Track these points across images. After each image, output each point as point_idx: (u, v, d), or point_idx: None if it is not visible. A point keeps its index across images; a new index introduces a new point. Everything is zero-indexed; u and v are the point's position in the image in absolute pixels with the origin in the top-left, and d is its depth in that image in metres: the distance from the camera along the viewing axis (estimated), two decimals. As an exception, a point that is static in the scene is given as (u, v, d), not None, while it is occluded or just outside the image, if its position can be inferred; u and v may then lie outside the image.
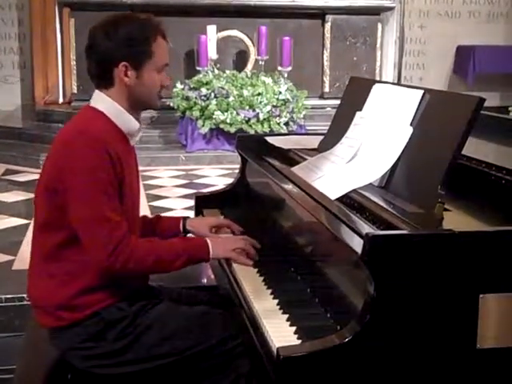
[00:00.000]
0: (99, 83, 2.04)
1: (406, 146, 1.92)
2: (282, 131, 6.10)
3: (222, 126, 6.09)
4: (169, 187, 5.39)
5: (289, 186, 2.19)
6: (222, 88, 6.18)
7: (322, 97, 7.16)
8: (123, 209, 1.97)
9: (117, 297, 1.98)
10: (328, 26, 7.11)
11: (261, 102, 6.15)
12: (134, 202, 2.10)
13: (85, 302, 1.95)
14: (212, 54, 6.47)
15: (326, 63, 7.15)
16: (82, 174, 1.89)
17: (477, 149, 2.16)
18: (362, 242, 1.54)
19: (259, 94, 6.20)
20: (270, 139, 2.67)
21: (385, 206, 1.80)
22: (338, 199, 1.91)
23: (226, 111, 6.09)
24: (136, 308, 1.99)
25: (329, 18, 7.10)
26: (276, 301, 1.87)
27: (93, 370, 1.99)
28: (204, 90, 6.18)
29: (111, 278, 1.95)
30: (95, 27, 2.02)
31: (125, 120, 2.04)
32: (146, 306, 2.02)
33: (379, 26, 7.24)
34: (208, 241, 2.07)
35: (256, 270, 2.10)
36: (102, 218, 1.88)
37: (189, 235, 2.32)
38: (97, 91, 2.06)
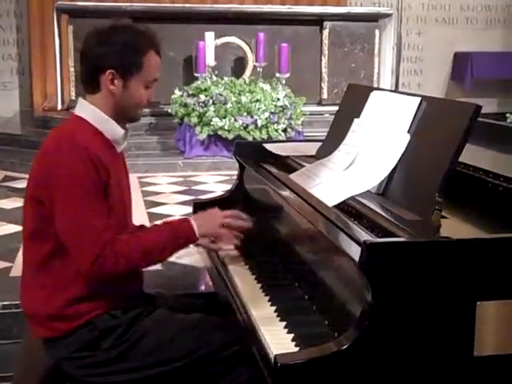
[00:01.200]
0: (87, 88, 2.04)
1: (403, 154, 1.93)
2: (280, 138, 6.10)
3: (220, 132, 6.10)
4: (167, 193, 5.39)
5: (286, 193, 2.19)
6: (220, 94, 6.19)
7: (320, 103, 7.17)
8: (112, 215, 1.95)
9: (110, 305, 1.97)
10: (326, 32, 7.12)
11: (259, 109, 6.15)
12: (124, 208, 2.08)
13: (77, 311, 1.94)
14: (210, 60, 6.48)
15: (324, 70, 7.17)
16: (65, 182, 1.88)
17: (474, 156, 2.16)
18: (359, 249, 1.54)
19: (257, 101, 6.21)
20: (268, 146, 2.67)
21: (382, 213, 1.80)
22: (335, 206, 1.91)
23: (224, 118, 6.09)
24: (130, 315, 1.98)
25: (327, 24, 7.11)
26: (274, 308, 1.87)
27: (89, 379, 1.98)
28: (202, 97, 6.19)
29: (102, 285, 1.93)
30: (90, 33, 2.02)
31: (109, 127, 2.03)
32: (141, 314, 2.00)
33: (377, 32, 7.26)
34: (191, 220, 2.05)
35: (254, 277, 2.11)
36: (86, 226, 1.87)
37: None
38: (80, 99, 2.07)
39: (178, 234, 2.02)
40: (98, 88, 2.01)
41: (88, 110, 2.02)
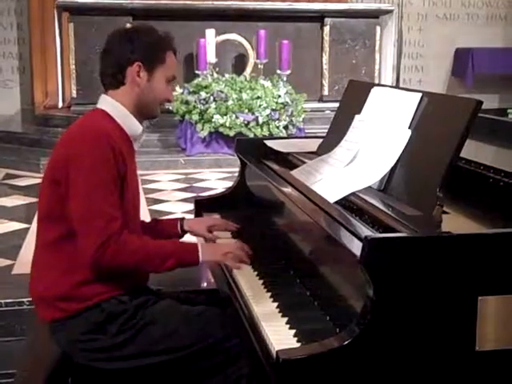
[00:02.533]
0: (110, 83, 2.11)
1: (404, 149, 1.93)
2: (281, 134, 6.11)
3: (221, 129, 6.10)
4: (168, 191, 5.40)
5: (288, 190, 2.19)
6: (221, 92, 6.19)
7: (321, 100, 7.16)
8: (124, 206, 2.01)
9: (118, 289, 2.01)
10: (327, 29, 7.12)
11: (260, 106, 6.16)
12: (134, 202, 2.14)
13: (86, 292, 1.98)
14: (211, 57, 6.48)
15: (324, 66, 7.17)
16: (84, 168, 1.94)
17: (475, 151, 2.17)
18: (361, 244, 1.54)
19: (258, 98, 6.21)
20: (269, 143, 2.67)
21: (384, 208, 1.80)
22: (337, 202, 1.91)
23: (225, 115, 6.09)
24: (137, 302, 2.02)
25: (328, 21, 7.11)
26: (275, 304, 1.87)
27: (93, 364, 2.00)
28: (203, 94, 6.19)
29: (99, 273, 1.96)
30: (115, 32, 2.15)
31: (129, 122, 2.11)
32: (147, 302, 2.05)
33: (378, 29, 7.26)
34: (198, 245, 2.09)
35: (255, 273, 2.11)
36: (99, 212, 1.92)
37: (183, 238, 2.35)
38: (103, 95, 2.14)
39: (183, 252, 2.06)
40: (123, 82, 2.10)
41: (110, 104, 2.10)
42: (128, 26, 2.23)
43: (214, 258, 2.12)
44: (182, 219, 2.39)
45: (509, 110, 6.16)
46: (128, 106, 2.10)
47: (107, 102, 2.11)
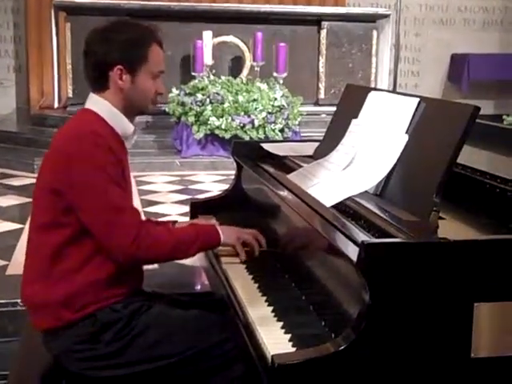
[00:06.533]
0: (95, 86, 2.06)
1: (401, 154, 1.93)
2: (277, 137, 6.11)
3: (216, 131, 6.10)
4: (163, 192, 5.39)
5: (284, 193, 2.19)
6: (218, 94, 6.19)
7: (317, 103, 7.17)
8: None
9: (112, 298, 1.99)
10: (324, 32, 7.13)
11: (256, 108, 6.15)
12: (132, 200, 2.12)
13: (81, 301, 1.96)
14: (208, 59, 6.47)
15: (321, 70, 7.17)
16: (92, 173, 1.91)
17: (471, 157, 2.17)
18: (357, 249, 1.54)
19: (254, 100, 6.21)
20: (265, 146, 2.67)
21: (380, 213, 1.80)
22: (333, 206, 1.91)
23: (221, 117, 6.09)
24: (131, 310, 2.00)
25: (325, 24, 7.12)
26: (271, 308, 1.87)
27: (87, 373, 1.98)
28: (199, 96, 6.18)
29: (108, 277, 1.96)
30: (93, 31, 2.04)
31: (120, 122, 2.06)
32: (140, 308, 2.02)
33: (375, 33, 7.27)
34: (217, 227, 2.14)
35: (251, 276, 2.11)
36: (120, 208, 1.93)
37: None
38: (91, 94, 2.08)
39: (206, 235, 2.10)
40: (107, 85, 2.03)
41: (99, 104, 2.04)
42: (106, 23, 2.04)
43: (233, 241, 2.16)
44: (174, 222, 2.36)
45: (504, 116, 6.19)
46: (117, 106, 2.04)
47: (95, 102, 2.05)
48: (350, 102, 2.40)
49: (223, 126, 6.06)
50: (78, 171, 1.91)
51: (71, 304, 1.96)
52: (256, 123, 6.12)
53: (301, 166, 2.34)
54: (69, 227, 1.95)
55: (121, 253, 1.93)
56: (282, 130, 6.26)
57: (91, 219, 1.93)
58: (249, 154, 2.70)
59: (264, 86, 6.41)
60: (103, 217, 1.92)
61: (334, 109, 2.58)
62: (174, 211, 4.74)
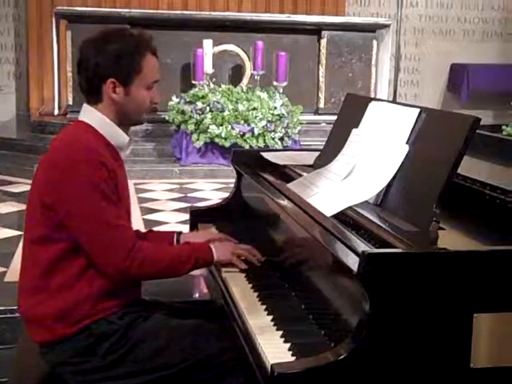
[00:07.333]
0: (88, 98, 2.04)
1: (401, 164, 1.93)
2: (277, 146, 6.12)
3: (216, 140, 6.10)
4: (163, 201, 5.39)
5: (284, 202, 2.19)
6: (218, 102, 6.20)
7: (317, 112, 7.18)
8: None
9: (108, 310, 1.97)
10: (324, 42, 7.15)
11: (256, 117, 6.16)
12: (127, 213, 2.10)
13: (76, 315, 1.94)
14: (208, 68, 6.49)
15: (321, 79, 7.19)
16: (82, 188, 1.89)
17: (471, 167, 2.17)
18: (357, 259, 1.54)
19: (254, 109, 6.22)
20: (265, 154, 2.67)
21: (380, 223, 1.81)
22: (333, 216, 1.91)
23: (221, 125, 6.10)
24: (126, 321, 1.98)
25: (325, 34, 7.13)
26: (270, 317, 1.87)
27: None
28: (199, 104, 6.19)
29: (104, 289, 1.95)
30: (85, 42, 2.02)
31: (114, 133, 2.04)
32: (136, 320, 2.01)
33: (374, 43, 7.29)
34: (211, 245, 2.15)
35: (250, 285, 2.10)
36: (111, 225, 1.92)
37: None
38: (85, 105, 2.06)
39: (199, 253, 2.10)
40: (100, 98, 2.02)
41: (93, 116, 2.03)
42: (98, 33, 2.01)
43: (226, 257, 2.17)
44: (179, 233, 2.34)
45: (503, 127, 6.20)
46: (111, 118, 2.02)
47: (89, 114, 2.03)
48: (351, 111, 2.40)
49: (223, 135, 6.07)
50: (70, 189, 1.90)
51: (66, 318, 1.95)
52: (256, 132, 6.13)
53: (301, 175, 2.34)
54: (60, 243, 1.94)
55: (114, 270, 1.93)
56: (281, 139, 6.27)
57: (84, 238, 1.92)
58: (248, 162, 2.70)
59: (264, 95, 6.42)
60: (96, 236, 1.91)
61: (333, 118, 2.59)
62: (174, 219, 4.74)
